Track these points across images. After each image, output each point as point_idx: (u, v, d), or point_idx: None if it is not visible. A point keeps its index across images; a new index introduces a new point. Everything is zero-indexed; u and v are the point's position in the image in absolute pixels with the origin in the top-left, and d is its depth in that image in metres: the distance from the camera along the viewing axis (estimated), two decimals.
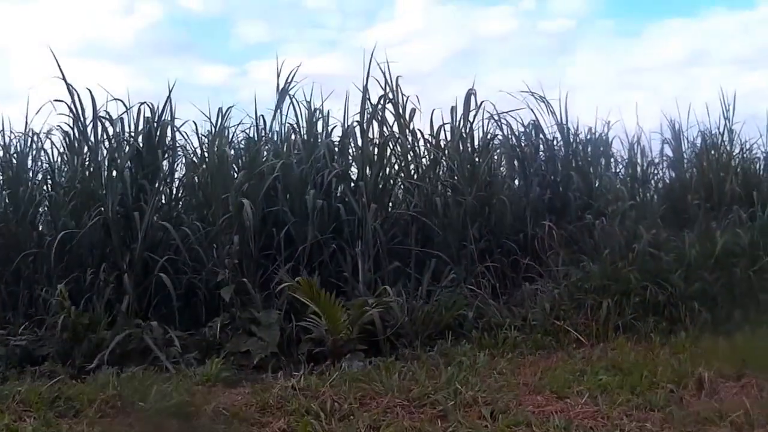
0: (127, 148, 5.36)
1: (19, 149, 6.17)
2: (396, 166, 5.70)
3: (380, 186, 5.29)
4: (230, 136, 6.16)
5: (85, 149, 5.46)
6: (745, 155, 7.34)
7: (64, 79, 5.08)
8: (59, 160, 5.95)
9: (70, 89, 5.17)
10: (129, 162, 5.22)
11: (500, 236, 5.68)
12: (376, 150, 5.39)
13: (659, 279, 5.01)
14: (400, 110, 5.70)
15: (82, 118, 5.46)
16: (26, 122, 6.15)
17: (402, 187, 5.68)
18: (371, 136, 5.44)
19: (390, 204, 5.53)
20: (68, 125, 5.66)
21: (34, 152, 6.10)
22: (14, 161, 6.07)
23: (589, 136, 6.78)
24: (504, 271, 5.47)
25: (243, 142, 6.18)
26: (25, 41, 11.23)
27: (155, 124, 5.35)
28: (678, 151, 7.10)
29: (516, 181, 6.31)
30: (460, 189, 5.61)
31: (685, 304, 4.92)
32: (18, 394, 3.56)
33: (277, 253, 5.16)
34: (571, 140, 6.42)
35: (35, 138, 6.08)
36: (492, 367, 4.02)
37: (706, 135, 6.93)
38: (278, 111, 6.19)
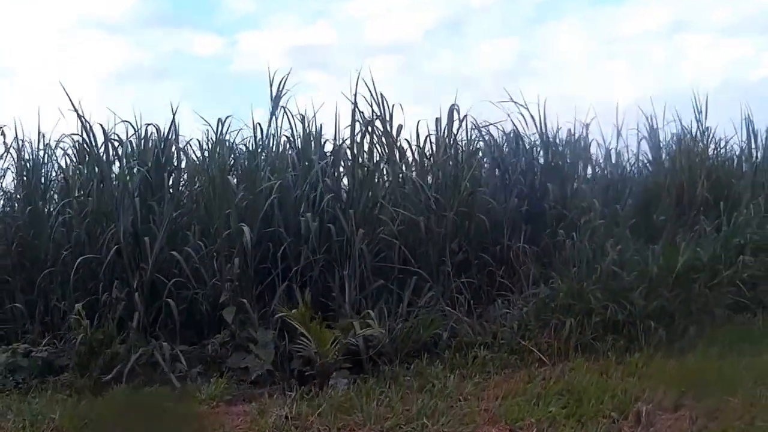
0: (136, 168, 5.87)
1: (32, 157, 6.72)
2: (384, 187, 6.16)
3: (368, 210, 5.80)
4: (229, 144, 6.73)
5: (96, 169, 5.99)
6: (720, 151, 7.84)
7: (75, 110, 5.57)
8: (72, 172, 6.51)
9: (82, 120, 5.64)
10: (139, 185, 5.74)
11: (478, 249, 6.23)
12: (366, 171, 5.88)
13: (620, 298, 5.56)
14: (388, 128, 6.16)
15: (92, 142, 5.98)
16: (39, 131, 6.71)
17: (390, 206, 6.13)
18: (361, 161, 5.92)
19: (377, 221, 6.00)
20: (79, 144, 6.22)
21: (47, 163, 6.66)
22: (29, 167, 6.59)
23: (568, 138, 7.29)
24: (480, 285, 6.05)
25: (242, 149, 6.74)
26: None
27: (162, 145, 5.87)
28: (654, 149, 7.57)
29: (495, 185, 6.81)
30: (443, 204, 6.12)
31: (642, 322, 5.49)
32: (52, 421, 4.21)
33: (273, 267, 5.77)
34: (550, 147, 6.89)
35: (48, 149, 6.65)
36: (460, 391, 4.61)
37: (680, 136, 7.39)
38: (273, 117, 6.74)
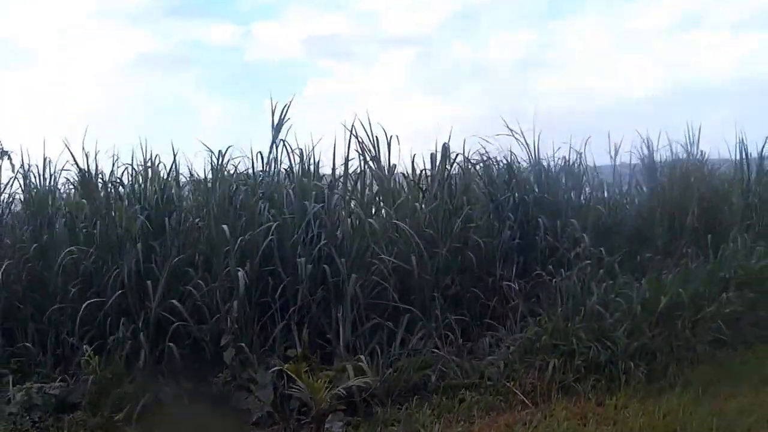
0: (138, 206, 6.29)
1: (38, 184, 7.15)
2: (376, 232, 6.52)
3: (361, 254, 6.20)
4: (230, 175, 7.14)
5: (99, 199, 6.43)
6: (713, 174, 8.17)
7: (76, 163, 5.98)
8: (76, 205, 6.93)
9: (81, 168, 6.06)
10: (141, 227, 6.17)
11: (470, 282, 6.65)
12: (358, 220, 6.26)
13: (603, 337, 5.97)
14: (384, 171, 6.53)
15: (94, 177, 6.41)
16: (44, 158, 7.14)
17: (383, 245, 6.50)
18: (353, 206, 6.30)
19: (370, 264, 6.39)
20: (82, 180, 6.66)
21: (53, 192, 7.08)
22: (35, 198, 7.02)
23: (563, 164, 7.65)
24: (472, 318, 6.48)
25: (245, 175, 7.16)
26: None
27: (163, 186, 6.29)
28: (647, 176, 7.92)
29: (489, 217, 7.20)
30: (436, 241, 6.52)
31: (624, 362, 5.90)
32: None
33: (273, 302, 6.22)
34: (543, 178, 7.26)
35: (53, 179, 7.08)
36: None
37: (673, 165, 7.71)
38: (273, 145, 7.16)
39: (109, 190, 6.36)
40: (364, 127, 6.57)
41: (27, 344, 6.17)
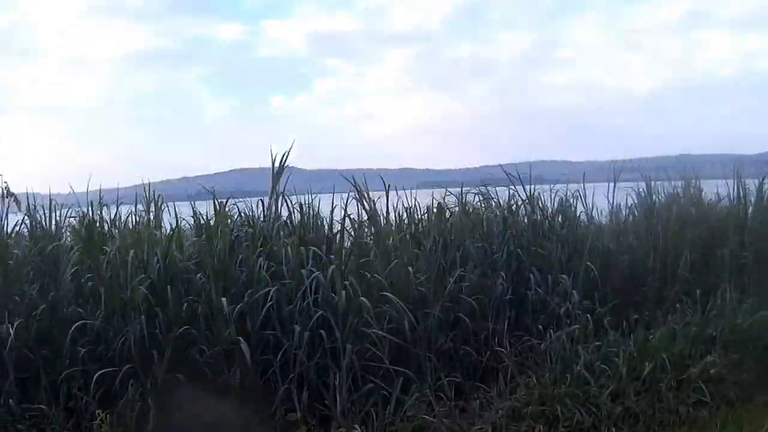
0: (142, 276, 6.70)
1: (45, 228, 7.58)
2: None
3: (355, 325, 6.63)
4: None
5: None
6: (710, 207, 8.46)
7: (78, 233, 6.35)
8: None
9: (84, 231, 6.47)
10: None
11: (463, 338, 7.09)
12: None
13: (588, 403, 6.43)
14: (379, 229, 6.90)
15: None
16: (50, 202, 7.56)
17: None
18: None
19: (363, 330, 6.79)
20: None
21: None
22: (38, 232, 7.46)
23: (559, 206, 7.98)
24: (465, 376, 6.94)
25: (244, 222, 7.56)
26: None
27: (165, 258, 6.70)
28: (646, 216, 8.22)
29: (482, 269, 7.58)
30: (428, 300, 6.93)
31: (607, 427, 6.37)
32: None
33: (273, 360, 6.70)
34: (538, 225, 7.61)
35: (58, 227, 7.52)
36: None
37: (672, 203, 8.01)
38: (273, 193, 7.55)
39: (113, 256, 6.73)
40: (361, 189, 6.89)
41: (42, 406, 6.64)
